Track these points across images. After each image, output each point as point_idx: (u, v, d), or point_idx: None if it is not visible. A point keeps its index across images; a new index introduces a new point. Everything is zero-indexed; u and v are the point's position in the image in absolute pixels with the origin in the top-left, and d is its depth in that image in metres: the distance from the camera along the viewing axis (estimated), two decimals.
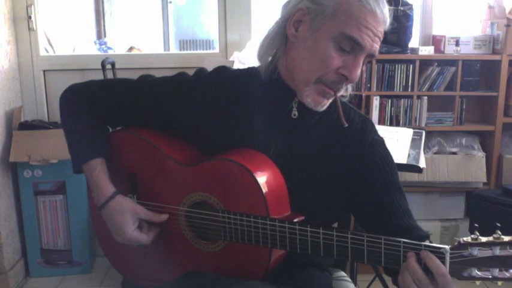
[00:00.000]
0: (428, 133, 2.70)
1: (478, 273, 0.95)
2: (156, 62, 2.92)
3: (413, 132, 2.34)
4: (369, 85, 2.75)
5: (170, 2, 5.80)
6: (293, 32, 1.12)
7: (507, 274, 0.94)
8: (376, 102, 2.75)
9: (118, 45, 4.76)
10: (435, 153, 2.84)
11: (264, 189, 1.09)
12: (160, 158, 1.22)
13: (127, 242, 1.21)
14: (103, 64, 2.65)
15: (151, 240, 1.22)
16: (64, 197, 2.70)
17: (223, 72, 1.24)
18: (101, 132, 1.29)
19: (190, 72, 1.28)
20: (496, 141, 2.84)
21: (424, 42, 3.01)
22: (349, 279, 1.47)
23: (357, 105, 1.26)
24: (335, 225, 1.36)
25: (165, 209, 1.23)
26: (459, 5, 3.05)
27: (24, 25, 2.81)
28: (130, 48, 4.14)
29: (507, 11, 2.75)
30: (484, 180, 2.85)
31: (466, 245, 0.95)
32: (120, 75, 2.78)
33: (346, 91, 1.16)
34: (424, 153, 2.52)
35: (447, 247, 0.96)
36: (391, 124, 2.77)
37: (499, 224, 0.95)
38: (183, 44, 5.79)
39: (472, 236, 0.95)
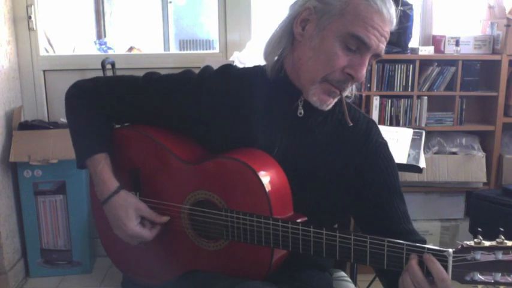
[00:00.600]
0: (428, 133, 2.70)
1: (481, 277, 0.95)
2: (156, 62, 2.92)
3: (413, 132, 2.34)
4: (369, 85, 2.75)
5: (170, 2, 5.80)
6: (300, 31, 1.12)
7: (509, 279, 0.94)
8: (376, 102, 2.75)
9: (118, 45, 4.76)
10: (435, 153, 2.84)
11: (268, 189, 1.09)
12: (164, 155, 1.23)
13: (128, 237, 1.21)
14: (103, 64, 2.65)
15: (153, 237, 1.22)
16: (64, 197, 2.70)
17: (229, 71, 1.25)
18: (106, 128, 1.30)
19: (195, 71, 1.28)
20: (496, 141, 2.84)
21: (424, 42, 3.01)
22: (349, 279, 1.47)
23: (357, 105, 1.26)
24: (335, 226, 1.36)
25: (167, 207, 1.23)
26: (459, 5, 3.05)
27: (24, 25, 2.81)
28: (131, 48, 4.14)
29: (507, 11, 2.75)
30: (484, 180, 2.85)
31: (469, 248, 0.95)
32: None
33: (351, 91, 1.17)
34: (424, 153, 2.52)
35: (450, 250, 0.95)
36: (391, 124, 2.77)
37: (502, 229, 0.94)
38: (183, 44, 5.78)
39: (475, 239, 0.95)
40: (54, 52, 3.23)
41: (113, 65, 2.80)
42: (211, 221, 1.16)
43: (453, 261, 0.95)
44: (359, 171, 1.19)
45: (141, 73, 1.32)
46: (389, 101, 2.77)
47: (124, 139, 1.30)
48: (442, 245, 0.98)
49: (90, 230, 2.75)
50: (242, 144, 1.18)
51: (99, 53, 4.21)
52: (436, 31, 3.01)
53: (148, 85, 1.27)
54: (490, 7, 2.89)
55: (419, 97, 2.79)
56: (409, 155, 2.16)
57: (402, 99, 2.78)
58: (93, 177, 1.25)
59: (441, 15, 3.04)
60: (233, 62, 2.61)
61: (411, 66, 2.74)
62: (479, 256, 0.94)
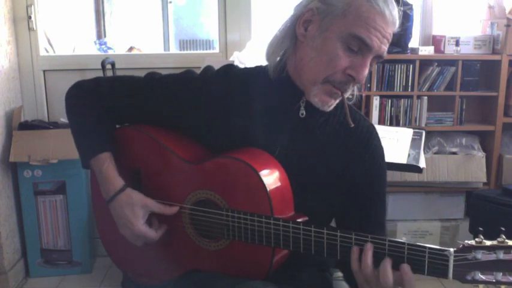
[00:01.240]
0: (428, 133, 2.70)
1: (482, 276, 0.95)
2: (156, 62, 2.92)
3: (413, 132, 2.35)
4: (369, 85, 2.75)
5: (170, 2, 5.80)
6: (302, 32, 1.12)
7: (510, 278, 0.94)
8: (376, 102, 2.75)
9: (118, 45, 4.76)
10: (435, 153, 2.84)
11: (269, 189, 1.09)
12: (166, 155, 1.23)
13: (134, 236, 1.21)
14: (103, 64, 2.65)
15: (159, 237, 1.22)
16: (64, 197, 2.70)
17: (231, 71, 1.25)
18: (108, 127, 1.30)
19: (197, 71, 1.28)
20: (496, 141, 2.84)
21: (424, 42, 3.01)
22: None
23: (357, 106, 1.27)
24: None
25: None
26: (459, 5, 3.05)
27: (24, 25, 2.81)
28: (131, 48, 4.14)
29: (507, 11, 2.76)
30: (484, 180, 2.85)
31: (470, 248, 0.95)
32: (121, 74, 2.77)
33: (352, 92, 1.17)
34: (424, 153, 2.52)
35: (451, 250, 0.95)
36: (391, 124, 2.77)
37: (503, 228, 0.95)
38: (183, 44, 5.79)
39: (476, 239, 0.95)
40: (54, 52, 3.23)
41: (113, 65, 2.80)
42: (212, 221, 1.17)
43: (454, 261, 0.95)
44: (354, 174, 1.20)
45: (141, 73, 1.32)
46: (389, 101, 2.77)
47: (125, 139, 1.30)
48: (442, 245, 0.97)
49: (90, 230, 2.75)
50: (244, 145, 1.19)
51: (99, 53, 4.21)
52: (436, 31, 3.01)
53: (150, 85, 1.27)
54: (490, 7, 2.89)
55: (419, 97, 2.79)
56: (409, 155, 2.16)
57: (402, 99, 2.78)
58: (98, 177, 1.25)
59: (441, 15, 3.04)
60: (233, 62, 2.61)
61: (411, 66, 2.74)
62: (480, 255, 0.94)
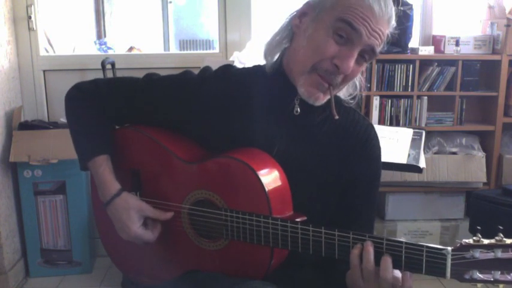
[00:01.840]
0: (428, 133, 2.70)
1: (480, 275, 0.95)
2: (156, 62, 2.92)
3: (413, 132, 2.35)
4: (368, 85, 2.75)
5: (170, 2, 5.80)
6: (297, 23, 1.14)
7: (508, 277, 0.94)
8: (376, 102, 2.75)
9: (118, 45, 4.76)
10: (435, 153, 2.84)
11: (267, 188, 1.09)
12: (164, 155, 1.23)
13: (132, 239, 1.22)
14: (103, 64, 2.65)
15: (155, 238, 1.22)
16: (64, 197, 2.70)
17: (229, 71, 1.25)
18: (106, 129, 1.30)
19: (195, 72, 1.28)
20: (496, 141, 2.84)
21: (424, 42, 3.01)
22: None
23: (356, 105, 1.27)
24: None
25: (167, 207, 1.23)
26: (459, 5, 3.05)
27: (24, 25, 2.81)
28: (131, 48, 4.14)
29: (507, 11, 2.76)
30: (484, 180, 2.85)
31: (468, 246, 0.95)
32: (120, 75, 2.77)
33: (352, 92, 1.18)
34: (424, 153, 2.52)
35: (449, 248, 0.95)
36: (391, 124, 2.77)
37: (501, 227, 0.95)
38: (183, 44, 5.79)
39: (474, 238, 0.95)
40: (54, 52, 3.23)
41: (113, 65, 2.80)
42: (211, 221, 1.17)
43: (452, 260, 0.95)
44: (351, 173, 1.21)
45: (141, 73, 1.32)
46: (389, 101, 2.77)
47: (124, 139, 1.30)
48: (442, 245, 0.97)
49: (90, 230, 2.75)
50: (242, 144, 1.19)
51: (99, 53, 4.21)
52: (436, 31, 3.01)
53: (149, 86, 1.27)
54: (490, 7, 2.89)
55: (419, 97, 2.79)
56: (409, 155, 2.16)
57: (402, 99, 2.78)
58: (95, 180, 1.26)
59: (441, 15, 3.04)
60: (233, 62, 2.61)
61: (411, 66, 2.74)
62: (478, 254, 0.94)
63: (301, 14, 1.14)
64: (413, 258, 0.98)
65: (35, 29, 2.82)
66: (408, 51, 2.77)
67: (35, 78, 2.87)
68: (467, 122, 2.87)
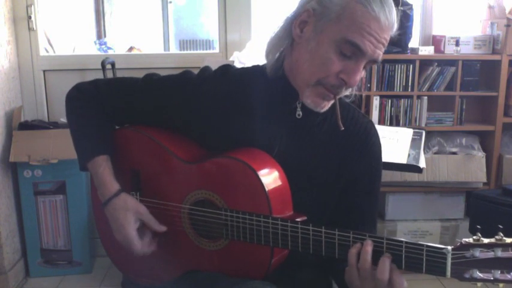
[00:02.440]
0: (428, 133, 2.70)
1: (480, 274, 0.95)
2: (156, 62, 2.92)
3: (413, 132, 2.35)
4: (369, 85, 2.75)
5: (170, 2, 5.80)
6: (298, 33, 1.12)
7: (508, 276, 0.94)
8: (376, 102, 2.75)
9: (118, 45, 4.76)
10: (435, 153, 2.84)
11: (267, 188, 1.09)
12: (164, 155, 1.23)
13: (125, 241, 1.22)
14: (103, 64, 2.65)
15: (142, 251, 1.22)
16: (64, 197, 2.70)
17: (228, 71, 1.25)
18: (106, 129, 1.30)
19: (194, 72, 1.28)
20: (496, 141, 2.84)
21: (424, 42, 3.01)
22: None
23: (357, 105, 1.27)
24: None
25: (167, 207, 1.23)
26: (459, 5, 3.05)
27: (24, 25, 2.81)
28: (131, 48, 4.14)
29: (507, 11, 2.75)
30: (484, 180, 2.84)
31: (468, 246, 0.95)
32: (120, 75, 2.77)
33: (351, 91, 1.17)
34: (424, 153, 2.52)
35: (449, 248, 0.96)
36: (391, 124, 2.77)
37: (501, 226, 0.95)
38: (183, 44, 5.78)
39: (474, 237, 0.95)
40: (54, 52, 3.23)
41: (113, 65, 2.80)
42: (211, 221, 1.17)
43: (452, 259, 0.95)
44: (352, 171, 1.21)
45: (141, 73, 1.32)
46: (389, 101, 2.77)
47: (124, 140, 1.30)
48: (442, 245, 0.97)
49: (90, 230, 2.75)
50: (242, 144, 1.19)
51: (99, 53, 4.22)
52: (436, 31, 3.01)
53: (148, 86, 1.27)
54: (490, 7, 2.89)
55: (419, 97, 2.79)
56: (409, 155, 2.16)
57: (402, 99, 2.78)
58: (95, 180, 1.26)
59: (441, 15, 3.04)
60: (233, 62, 2.61)
61: (411, 66, 2.74)
62: (478, 253, 0.94)
63: (301, 22, 1.11)
64: (413, 258, 0.98)
65: (35, 29, 2.82)
66: (408, 51, 2.77)
67: (35, 78, 2.88)
68: (467, 122, 2.86)
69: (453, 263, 0.95)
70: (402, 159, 2.13)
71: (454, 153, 2.85)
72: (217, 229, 1.16)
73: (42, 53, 2.92)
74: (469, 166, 2.82)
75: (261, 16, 3.03)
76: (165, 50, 5.54)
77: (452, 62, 2.78)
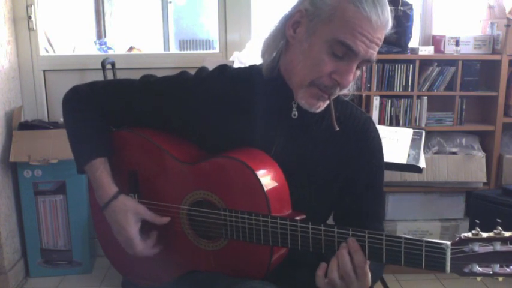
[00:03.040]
0: (428, 133, 2.70)
1: (479, 269, 0.95)
2: (156, 62, 2.92)
3: (413, 132, 2.35)
4: (369, 85, 2.75)
5: (170, 2, 5.80)
6: (291, 34, 1.12)
7: (508, 270, 0.95)
8: (376, 102, 2.75)
9: (118, 45, 4.76)
10: (435, 153, 2.84)
11: (266, 188, 1.09)
12: (162, 156, 1.23)
13: (128, 242, 1.21)
14: (103, 64, 2.65)
15: (144, 253, 1.22)
16: (64, 197, 2.70)
17: (225, 71, 1.25)
18: (103, 131, 1.30)
19: (192, 72, 1.28)
20: (496, 141, 2.84)
21: (424, 42, 3.01)
22: None
23: (357, 105, 1.27)
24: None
25: (166, 208, 1.23)
26: (459, 5, 3.05)
27: (24, 25, 2.81)
28: (131, 48, 4.14)
29: (507, 11, 2.75)
30: (484, 180, 2.84)
31: (467, 240, 0.95)
32: (120, 75, 2.78)
33: (349, 90, 1.17)
34: (424, 153, 2.52)
35: (448, 243, 0.96)
36: (391, 124, 2.77)
37: (499, 220, 0.95)
38: (183, 44, 5.78)
39: (473, 231, 0.96)
40: (54, 52, 3.23)
41: (113, 65, 2.80)
42: (210, 221, 1.17)
43: (451, 254, 0.95)
44: (352, 167, 1.21)
45: (141, 73, 1.32)
46: (389, 101, 2.77)
47: (122, 141, 1.30)
48: None
49: (90, 230, 2.75)
50: (239, 144, 1.19)
51: (99, 53, 4.22)
52: (436, 31, 3.01)
53: (145, 87, 1.27)
54: (490, 7, 2.89)
55: (419, 97, 2.78)
56: (409, 155, 2.16)
57: (402, 99, 2.77)
58: (92, 183, 1.26)
59: (441, 15, 3.04)
60: (233, 62, 2.61)
61: (411, 66, 2.74)
62: (477, 248, 0.95)
63: (294, 23, 1.11)
64: (413, 254, 0.98)
65: (35, 29, 2.82)
66: (408, 51, 2.77)
67: (35, 78, 2.88)
68: (467, 122, 2.86)
69: (452, 258, 0.95)
70: (402, 159, 2.12)
71: (454, 153, 2.85)
72: (216, 229, 1.16)
73: (42, 53, 2.92)
74: (469, 166, 2.82)
75: (261, 16, 3.03)
76: (165, 50, 5.54)
77: (452, 62, 2.78)
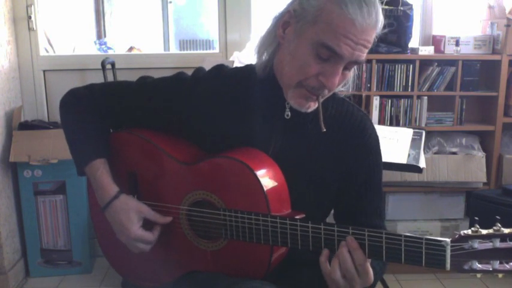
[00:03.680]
0: (428, 133, 2.70)
1: (479, 265, 0.96)
2: (156, 62, 2.92)
3: (413, 132, 2.35)
4: (369, 85, 2.75)
5: (170, 2, 5.80)
6: (281, 34, 1.12)
7: (507, 266, 0.95)
8: (376, 102, 2.75)
9: (118, 45, 4.76)
10: (435, 153, 2.84)
11: (266, 188, 1.09)
12: (161, 157, 1.23)
13: (131, 241, 1.21)
14: (103, 64, 2.65)
15: (155, 240, 1.22)
16: (64, 197, 2.70)
17: (221, 71, 1.25)
18: (102, 132, 1.30)
19: (190, 72, 1.28)
20: (496, 141, 2.84)
21: (424, 42, 3.01)
22: None
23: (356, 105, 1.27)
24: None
25: (165, 209, 1.23)
26: (459, 5, 3.05)
27: (24, 25, 2.81)
28: (131, 48, 4.14)
29: (507, 11, 2.75)
30: (484, 180, 2.84)
31: (467, 237, 0.95)
32: (120, 75, 2.78)
33: (347, 89, 1.17)
34: (424, 153, 2.52)
35: (448, 240, 0.96)
36: (391, 124, 2.77)
37: (498, 217, 0.95)
38: (183, 44, 5.79)
39: (473, 228, 0.96)
40: (54, 52, 3.23)
41: (113, 65, 2.80)
42: (210, 221, 1.17)
43: (451, 251, 0.95)
44: (350, 165, 1.21)
45: (141, 73, 1.33)
46: (389, 101, 2.77)
47: (120, 142, 1.30)
48: None
49: (90, 230, 2.75)
50: (237, 144, 1.19)
51: (99, 53, 4.22)
52: (436, 31, 3.01)
53: (142, 88, 1.27)
54: (490, 7, 2.89)
55: (419, 97, 2.78)
56: (409, 155, 2.16)
57: (402, 99, 2.77)
58: (93, 184, 1.26)
59: (441, 15, 3.04)
60: (233, 62, 2.61)
61: (411, 66, 2.74)
62: (477, 245, 0.95)
63: (284, 23, 1.11)
64: (413, 251, 0.98)
65: (35, 29, 2.82)
66: (408, 51, 2.77)
67: (35, 78, 2.88)
68: (467, 122, 2.86)
69: (452, 255, 0.95)
70: (402, 159, 2.12)
71: (454, 153, 2.85)
72: (216, 229, 1.16)
73: (42, 53, 2.92)
74: (469, 166, 2.82)
75: (261, 16, 3.03)
76: (165, 50, 5.54)
77: (452, 62, 2.78)
